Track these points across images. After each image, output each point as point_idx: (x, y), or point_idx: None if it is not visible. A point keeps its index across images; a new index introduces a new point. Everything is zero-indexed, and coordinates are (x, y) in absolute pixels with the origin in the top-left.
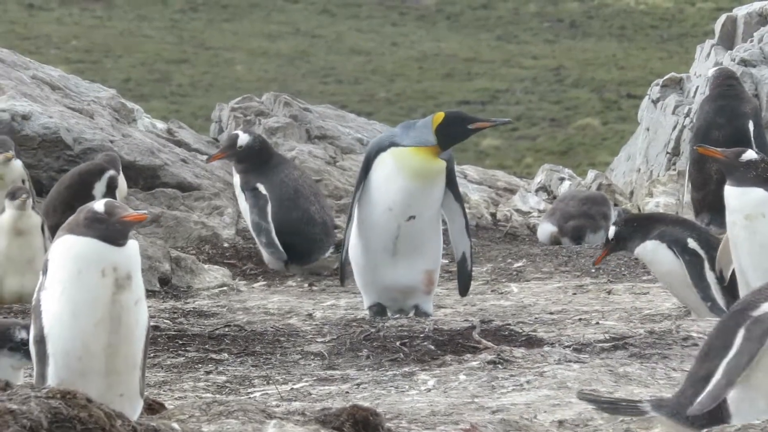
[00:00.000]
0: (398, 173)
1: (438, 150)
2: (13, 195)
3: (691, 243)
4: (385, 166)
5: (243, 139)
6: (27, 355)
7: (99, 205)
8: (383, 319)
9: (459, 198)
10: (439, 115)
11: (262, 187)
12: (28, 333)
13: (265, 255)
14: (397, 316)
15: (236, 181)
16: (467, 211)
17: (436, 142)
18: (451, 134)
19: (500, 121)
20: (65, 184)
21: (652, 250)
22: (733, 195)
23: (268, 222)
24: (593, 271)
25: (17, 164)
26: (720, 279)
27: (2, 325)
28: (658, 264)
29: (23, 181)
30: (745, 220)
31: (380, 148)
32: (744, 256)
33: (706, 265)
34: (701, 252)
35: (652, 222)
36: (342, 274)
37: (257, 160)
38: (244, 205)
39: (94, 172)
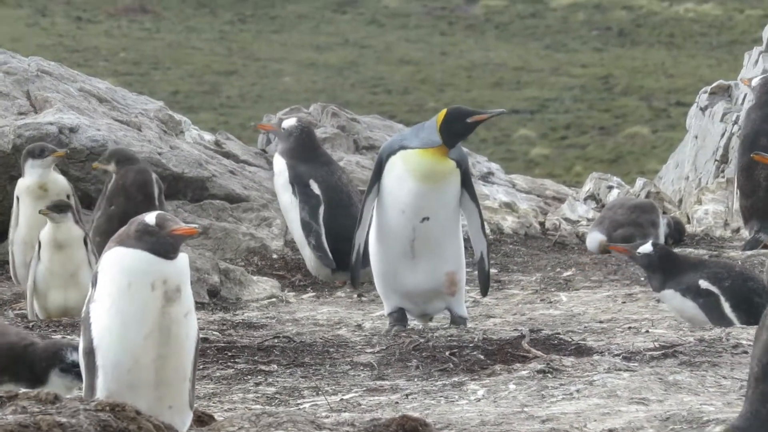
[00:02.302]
0: (407, 175)
1: (445, 149)
2: (53, 208)
3: (703, 283)
4: (395, 169)
5: (287, 122)
6: (79, 376)
7: (150, 217)
8: (431, 329)
9: (475, 198)
10: (442, 113)
11: (315, 186)
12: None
13: (311, 259)
14: (446, 325)
15: (281, 171)
16: (516, 220)
17: (441, 141)
18: (454, 131)
19: (495, 112)
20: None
21: (669, 299)
22: None
23: (319, 224)
24: (642, 279)
25: (61, 178)
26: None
27: (54, 345)
28: (678, 312)
29: (68, 196)
30: None
31: (391, 151)
32: None
33: (722, 299)
34: (714, 289)
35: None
36: (354, 276)
37: (302, 150)
38: (291, 198)
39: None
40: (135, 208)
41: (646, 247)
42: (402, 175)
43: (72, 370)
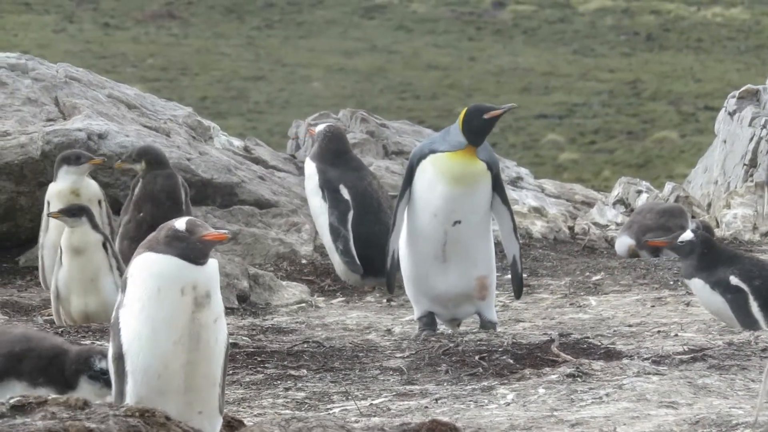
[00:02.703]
0: (438, 179)
1: (473, 149)
2: (64, 212)
3: (734, 279)
4: (426, 173)
5: (320, 126)
6: (108, 384)
7: (180, 223)
8: (461, 334)
9: (506, 201)
10: (462, 113)
11: (345, 192)
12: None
13: (339, 264)
14: (476, 330)
15: (311, 174)
16: (545, 225)
17: (467, 141)
18: (474, 129)
19: (507, 108)
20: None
21: (698, 289)
22: None
23: (347, 230)
24: (671, 283)
25: (93, 183)
26: None
27: (84, 351)
28: (705, 303)
29: (99, 202)
30: None
31: (421, 156)
32: None
33: (750, 298)
34: (744, 286)
35: (709, 255)
36: (389, 282)
37: (333, 154)
38: (320, 203)
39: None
40: (164, 214)
41: (687, 234)
42: (433, 178)
43: (101, 377)
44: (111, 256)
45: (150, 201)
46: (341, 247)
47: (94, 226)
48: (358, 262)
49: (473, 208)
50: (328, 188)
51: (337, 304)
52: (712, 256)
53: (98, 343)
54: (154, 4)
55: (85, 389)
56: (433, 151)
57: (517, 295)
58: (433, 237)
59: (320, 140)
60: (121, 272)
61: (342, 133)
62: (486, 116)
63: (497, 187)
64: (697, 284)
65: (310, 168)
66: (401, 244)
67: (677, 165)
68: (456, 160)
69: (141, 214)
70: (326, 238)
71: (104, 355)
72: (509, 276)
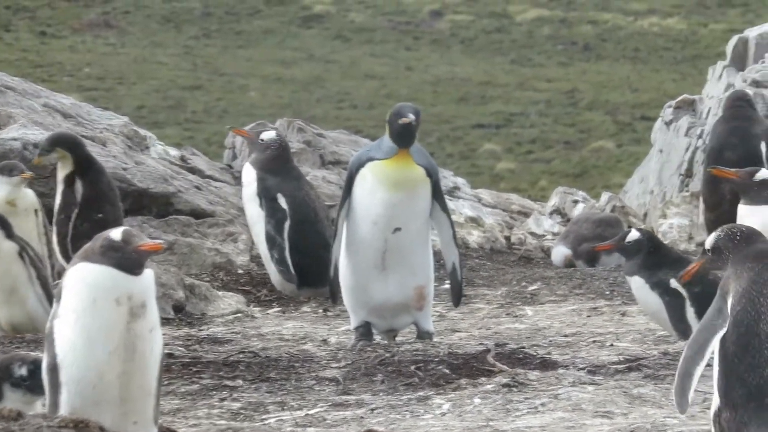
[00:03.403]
0: (378, 186)
1: (406, 153)
2: None
3: (674, 282)
4: (365, 181)
5: (267, 134)
6: (30, 390)
7: (116, 233)
8: (396, 344)
9: (446, 209)
10: (388, 114)
11: (282, 201)
12: (28, 368)
13: (275, 273)
14: (412, 340)
15: (250, 181)
16: (482, 234)
17: (396, 145)
18: (395, 131)
19: (411, 118)
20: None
21: (637, 287)
22: (746, 213)
23: (283, 239)
24: (607, 293)
25: (30, 193)
26: None
27: (5, 359)
28: (641, 302)
29: (35, 212)
30: None
31: (359, 165)
32: None
33: (687, 304)
34: (683, 290)
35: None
36: (332, 293)
37: (275, 163)
38: (258, 211)
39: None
40: (119, 211)
41: (634, 234)
42: (372, 186)
43: (22, 384)
44: (29, 265)
45: (107, 201)
46: (277, 256)
47: (9, 236)
48: (293, 271)
49: (413, 214)
50: (266, 197)
51: (273, 314)
52: (657, 256)
53: (35, 353)
54: (91, 13)
55: (10, 398)
56: (371, 159)
57: (456, 303)
58: (373, 245)
59: (267, 147)
60: (43, 281)
61: (286, 147)
62: (400, 122)
63: (436, 194)
64: (637, 282)
65: (249, 175)
66: (340, 253)
67: (614, 175)
68: (393, 166)
69: (101, 215)
70: (262, 247)
71: (25, 362)
72: (445, 286)
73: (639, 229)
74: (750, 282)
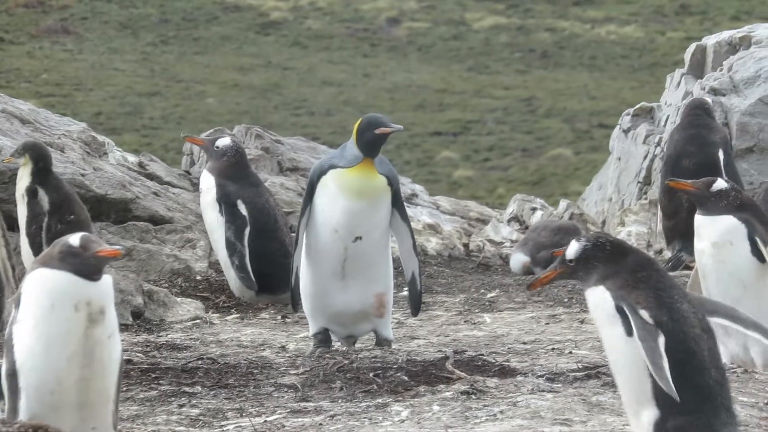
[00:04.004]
0: (340, 195)
1: (370, 162)
2: None
3: None
4: (327, 189)
5: (222, 141)
6: None
7: (74, 239)
8: (355, 350)
9: (406, 218)
10: (356, 124)
11: (243, 207)
12: None
13: (234, 280)
14: (371, 347)
15: (209, 188)
16: (440, 242)
17: (362, 154)
18: (366, 140)
19: (395, 128)
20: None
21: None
22: (703, 223)
23: (243, 245)
24: (566, 300)
25: None
26: None
27: None
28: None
29: None
30: (712, 248)
31: (321, 172)
32: (712, 285)
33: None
34: None
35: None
36: (293, 300)
37: (233, 169)
38: (217, 217)
39: None
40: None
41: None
42: (334, 194)
43: None
44: None
45: (75, 203)
46: (237, 263)
47: None
48: (253, 278)
49: (374, 223)
50: (226, 203)
51: (231, 321)
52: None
53: None
54: (49, 20)
55: None
56: (333, 167)
57: (414, 312)
58: (333, 253)
59: (223, 154)
60: None
61: (242, 153)
62: (376, 132)
63: (397, 203)
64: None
65: (208, 181)
66: (300, 260)
67: (572, 182)
68: (355, 174)
69: (72, 216)
70: (221, 253)
71: None
72: (404, 293)
73: (598, 233)
74: (656, 290)
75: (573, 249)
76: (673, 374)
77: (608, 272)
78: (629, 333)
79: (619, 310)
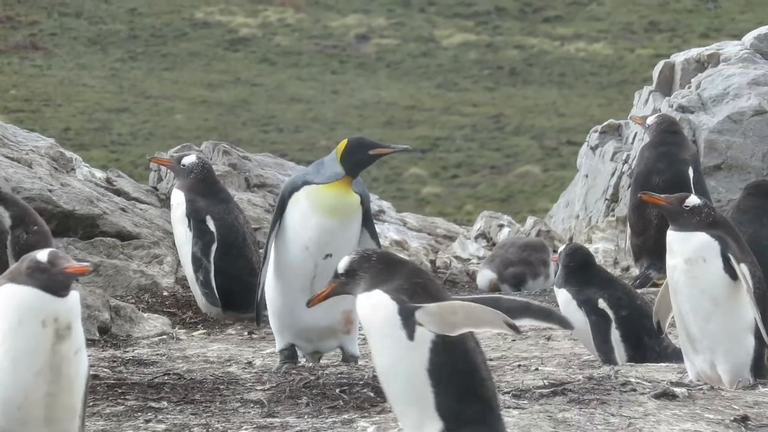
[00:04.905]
0: (313, 211)
1: (349, 181)
2: None
3: (602, 303)
4: (299, 205)
5: (188, 159)
6: None
7: (42, 254)
8: (321, 366)
9: (375, 236)
10: (342, 143)
11: (211, 223)
12: None
13: (199, 295)
14: (337, 363)
15: (179, 203)
16: (407, 257)
17: (344, 172)
18: (355, 161)
19: (399, 148)
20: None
21: (564, 301)
22: (675, 240)
23: (209, 261)
24: None
25: None
26: (658, 329)
27: None
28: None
29: None
30: (685, 264)
31: (294, 188)
32: (684, 301)
33: (613, 326)
34: (610, 313)
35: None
36: (258, 315)
37: (201, 185)
38: (185, 232)
39: None
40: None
41: (568, 248)
42: (307, 210)
43: None
44: None
45: (35, 214)
46: (201, 278)
47: None
48: (216, 294)
49: (345, 241)
50: (195, 218)
51: (198, 337)
52: (588, 274)
53: None
54: (18, 35)
55: None
56: (307, 183)
57: None
58: (302, 270)
59: (190, 171)
60: None
61: (209, 170)
62: (371, 152)
63: (367, 221)
64: (563, 296)
65: (178, 197)
66: (268, 277)
67: (540, 199)
68: (331, 192)
69: (36, 227)
70: (188, 269)
71: None
72: None
73: (575, 244)
74: (435, 299)
75: (342, 263)
76: (458, 388)
77: (381, 280)
78: (411, 337)
79: (402, 314)
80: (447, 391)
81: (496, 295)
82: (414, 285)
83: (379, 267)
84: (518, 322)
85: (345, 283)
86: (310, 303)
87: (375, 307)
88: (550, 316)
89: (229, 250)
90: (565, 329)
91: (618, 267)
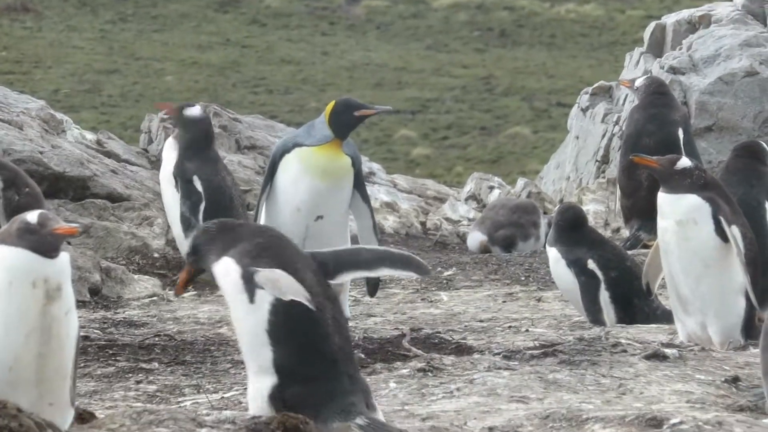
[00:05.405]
0: (305, 173)
1: (338, 143)
2: None
3: (591, 264)
4: (291, 167)
5: (192, 110)
6: None
7: (32, 216)
8: None
9: (366, 199)
10: (330, 105)
11: (198, 184)
12: None
13: None
14: None
15: (169, 161)
16: (397, 220)
17: (333, 134)
18: (342, 122)
19: (382, 109)
20: None
21: (553, 261)
22: (666, 202)
23: (198, 221)
24: (523, 279)
25: None
26: (647, 291)
27: None
28: (556, 276)
29: None
30: (676, 226)
31: (285, 150)
32: (675, 262)
33: (603, 287)
34: (600, 274)
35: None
36: None
37: (197, 142)
38: (173, 192)
39: None
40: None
41: (561, 207)
42: (298, 172)
43: None
44: None
45: (25, 176)
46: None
47: None
48: None
49: (336, 203)
50: (182, 178)
51: (188, 298)
52: (579, 234)
53: None
54: None
55: None
56: (298, 145)
57: (372, 293)
58: (294, 232)
59: (192, 125)
60: None
61: (209, 127)
62: (357, 113)
63: (358, 184)
64: (553, 254)
65: (170, 153)
66: None
67: (530, 161)
68: (322, 154)
69: (27, 189)
70: (176, 229)
71: None
72: None
73: (568, 203)
74: (279, 257)
75: (187, 243)
76: (296, 347)
77: (227, 246)
78: (251, 300)
79: (244, 277)
80: (284, 350)
81: (358, 246)
82: (257, 246)
83: (221, 236)
84: (377, 273)
85: (197, 260)
86: (176, 293)
87: (224, 273)
88: (409, 263)
89: (216, 211)
90: (423, 275)
91: (608, 228)
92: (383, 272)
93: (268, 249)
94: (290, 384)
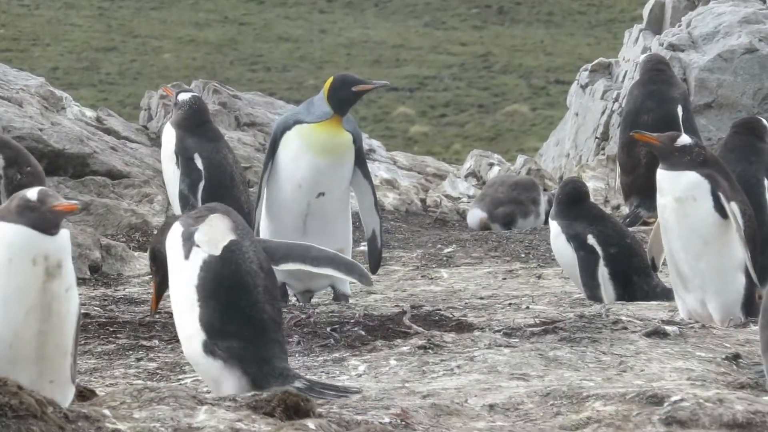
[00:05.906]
0: (306, 150)
1: (338, 119)
2: None
3: (590, 239)
4: (292, 144)
5: (182, 96)
6: None
7: (32, 193)
8: (312, 305)
9: (368, 176)
10: (329, 81)
11: (199, 161)
12: None
13: None
14: (328, 302)
15: (170, 139)
16: (397, 197)
17: (333, 111)
18: (341, 98)
19: (380, 84)
20: None
21: (554, 234)
22: (666, 179)
23: (197, 199)
24: (523, 256)
25: None
26: (652, 267)
27: None
28: (556, 250)
29: None
30: (675, 203)
31: (285, 127)
32: (674, 240)
33: (602, 263)
34: (599, 249)
35: (576, 205)
36: None
37: (193, 122)
38: (174, 170)
39: None
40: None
41: (564, 182)
42: (299, 149)
43: None
44: None
45: (28, 155)
46: None
47: None
48: None
49: (338, 180)
50: (183, 155)
51: None
52: (581, 208)
53: None
54: None
55: None
56: (299, 122)
57: (374, 269)
58: (295, 209)
59: (183, 108)
60: None
61: (201, 105)
62: (354, 89)
63: (359, 161)
64: (554, 228)
65: (169, 133)
66: (261, 215)
67: (528, 138)
68: (322, 131)
69: (29, 168)
70: (176, 206)
71: None
72: (362, 248)
73: (571, 178)
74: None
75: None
76: (222, 305)
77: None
78: (186, 257)
79: (184, 235)
80: (211, 306)
81: (308, 244)
82: (205, 209)
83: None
84: (321, 270)
85: (158, 268)
86: (152, 310)
87: (170, 237)
88: (353, 270)
89: (217, 189)
90: (364, 285)
91: (608, 205)
92: (327, 271)
93: (215, 213)
94: (219, 339)
